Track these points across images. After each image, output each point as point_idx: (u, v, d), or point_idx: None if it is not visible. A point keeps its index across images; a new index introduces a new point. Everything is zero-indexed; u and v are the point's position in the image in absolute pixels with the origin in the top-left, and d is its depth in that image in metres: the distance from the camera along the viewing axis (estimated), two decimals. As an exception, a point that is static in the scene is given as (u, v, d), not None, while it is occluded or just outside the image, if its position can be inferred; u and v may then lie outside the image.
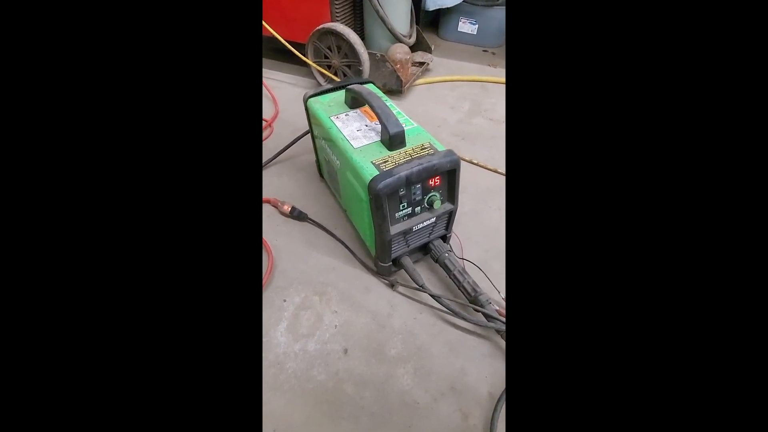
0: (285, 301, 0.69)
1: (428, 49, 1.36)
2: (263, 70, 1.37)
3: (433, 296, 0.66)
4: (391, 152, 0.62)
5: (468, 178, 0.92)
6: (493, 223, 0.83)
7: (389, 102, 0.70)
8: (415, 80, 1.29)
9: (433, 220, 0.66)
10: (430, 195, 0.63)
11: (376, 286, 0.72)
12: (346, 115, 0.72)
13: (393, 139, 0.61)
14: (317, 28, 1.14)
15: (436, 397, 0.57)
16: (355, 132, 0.67)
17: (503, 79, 1.29)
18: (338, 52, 1.17)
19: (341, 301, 0.69)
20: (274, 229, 0.82)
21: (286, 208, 0.82)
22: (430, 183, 0.62)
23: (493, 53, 1.51)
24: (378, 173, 0.57)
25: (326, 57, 1.20)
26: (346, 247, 0.77)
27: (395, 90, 1.20)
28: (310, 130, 0.83)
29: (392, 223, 0.62)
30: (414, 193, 0.61)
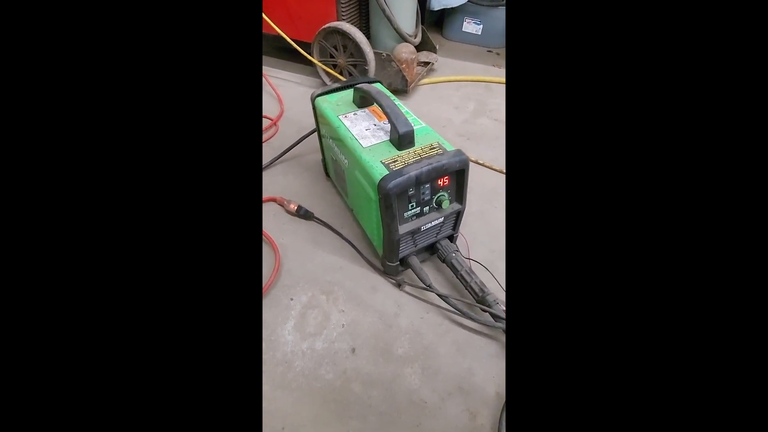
0: (292, 299, 0.69)
1: (433, 49, 1.36)
2: (269, 69, 1.37)
3: (440, 296, 0.66)
4: (401, 152, 0.62)
5: (474, 179, 0.92)
6: (498, 223, 0.83)
7: (397, 101, 0.70)
8: (420, 80, 1.29)
9: (441, 220, 0.66)
10: (438, 195, 0.63)
11: (382, 285, 0.72)
12: (355, 114, 0.72)
13: (402, 139, 0.61)
14: (323, 27, 1.14)
15: (443, 396, 0.57)
16: (363, 131, 0.67)
17: (508, 80, 1.29)
18: (344, 52, 1.17)
19: (348, 300, 0.69)
20: (280, 228, 0.82)
21: (293, 207, 0.82)
22: (439, 183, 0.62)
23: (498, 54, 1.51)
24: (388, 172, 0.57)
25: (332, 56, 1.20)
26: (353, 246, 0.77)
27: (400, 90, 1.20)
28: (317, 129, 0.83)
29: (401, 223, 0.62)
30: (423, 193, 0.61)
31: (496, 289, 0.68)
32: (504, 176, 0.95)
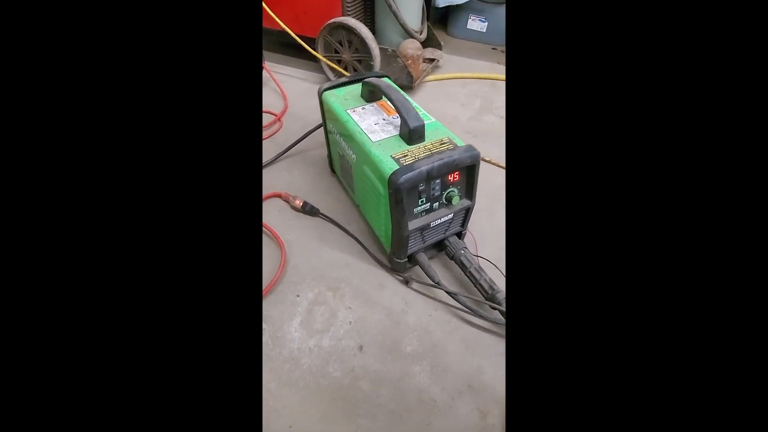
0: (298, 296, 0.68)
1: (438, 46, 1.35)
2: (273, 64, 1.35)
3: (449, 293, 0.65)
4: (411, 146, 0.61)
5: (480, 176, 0.90)
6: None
7: (406, 96, 0.69)
8: (425, 76, 1.28)
9: (451, 216, 0.65)
10: (448, 191, 0.62)
11: (390, 282, 0.71)
12: (363, 108, 0.71)
13: (413, 133, 0.60)
14: (328, 22, 1.13)
15: (453, 395, 0.57)
16: (372, 125, 0.66)
17: (514, 77, 1.28)
18: (349, 47, 1.16)
19: (355, 297, 0.68)
20: (285, 224, 0.81)
21: (298, 203, 0.81)
22: (450, 178, 0.61)
23: (502, 51, 1.50)
24: (398, 167, 0.56)
25: (336, 52, 1.19)
26: (360, 242, 0.76)
27: (406, 86, 1.19)
28: (323, 124, 0.82)
29: (410, 219, 0.62)
30: (433, 189, 0.60)
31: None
32: (511, 174, 0.94)
